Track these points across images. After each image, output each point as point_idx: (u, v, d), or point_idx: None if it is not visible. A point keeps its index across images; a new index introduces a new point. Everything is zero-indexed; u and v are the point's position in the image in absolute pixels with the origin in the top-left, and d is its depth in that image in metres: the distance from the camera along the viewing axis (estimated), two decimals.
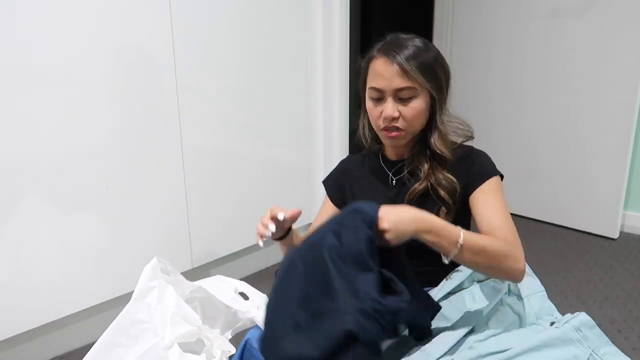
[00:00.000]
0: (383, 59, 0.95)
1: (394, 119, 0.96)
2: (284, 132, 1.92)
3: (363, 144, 1.14)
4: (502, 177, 1.01)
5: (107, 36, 1.34)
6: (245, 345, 0.99)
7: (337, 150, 2.09)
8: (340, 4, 1.96)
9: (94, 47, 1.32)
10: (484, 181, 0.98)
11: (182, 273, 1.66)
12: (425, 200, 1.00)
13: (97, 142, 1.37)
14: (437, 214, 0.97)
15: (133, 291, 1.51)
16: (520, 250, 0.86)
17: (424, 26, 3.05)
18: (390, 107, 0.95)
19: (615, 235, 2.23)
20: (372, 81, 0.97)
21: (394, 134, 0.98)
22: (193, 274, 1.69)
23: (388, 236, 0.76)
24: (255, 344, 0.97)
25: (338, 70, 2.01)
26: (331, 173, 1.22)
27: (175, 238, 1.62)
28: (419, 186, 1.00)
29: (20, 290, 1.29)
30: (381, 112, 0.97)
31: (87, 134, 1.35)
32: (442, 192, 0.98)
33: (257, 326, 1.02)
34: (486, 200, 0.97)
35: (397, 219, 0.78)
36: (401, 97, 0.95)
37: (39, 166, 1.27)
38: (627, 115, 2.10)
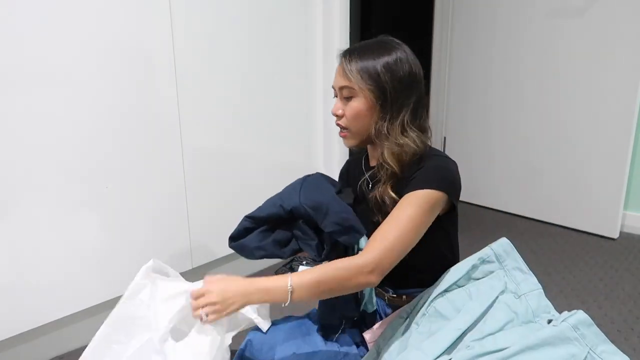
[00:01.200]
0: (340, 60, 1.00)
1: (338, 116, 1.00)
2: (284, 132, 1.92)
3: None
4: (447, 192, 0.92)
5: (107, 36, 1.34)
6: (246, 346, 0.99)
7: (337, 150, 2.10)
8: (340, 4, 1.96)
9: (93, 47, 1.32)
10: (409, 191, 0.92)
11: (182, 273, 1.65)
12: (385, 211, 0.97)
13: (97, 142, 1.37)
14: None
15: None
16: (372, 261, 0.84)
17: (423, 27, 3.05)
18: (335, 105, 1.01)
19: (615, 235, 2.23)
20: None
21: (342, 133, 1.03)
22: (193, 274, 1.69)
23: (216, 308, 0.84)
24: (255, 345, 0.97)
25: None
26: (342, 169, 1.27)
27: (175, 238, 1.62)
28: (373, 196, 0.98)
29: (20, 291, 1.29)
30: None
31: (87, 134, 1.35)
32: (389, 209, 0.93)
33: (257, 327, 1.02)
34: (394, 210, 0.92)
35: (222, 292, 0.85)
36: (344, 95, 0.99)
37: (38, 166, 1.27)
38: (627, 115, 2.10)
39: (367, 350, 1.01)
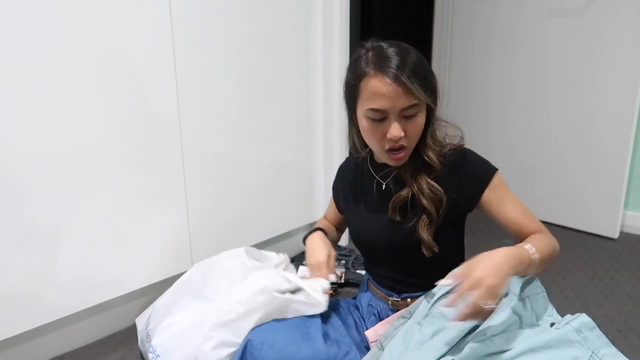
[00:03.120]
0: (381, 78, 0.89)
1: (399, 138, 0.92)
2: (284, 132, 1.92)
3: (355, 154, 1.12)
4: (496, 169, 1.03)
5: (107, 36, 1.34)
6: (246, 346, 0.99)
7: (337, 150, 2.09)
8: (340, 4, 1.96)
9: (93, 47, 1.32)
10: (487, 182, 0.99)
11: (182, 273, 1.66)
12: (409, 208, 1.00)
13: (97, 142, 1.37)
14: (418, 222, 0.98)
15: (133, 291, 1.52)
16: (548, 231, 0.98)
17: (423, 26, 3.05)
18: (396, 128, 0.91)
19: (615, 235, 2.23)
20: (371, 102, 0.91)
21: (400, 155, 0.95)
22: None
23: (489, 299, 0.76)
24: (255, 344, 0.97)
25: (338, 70, 2.01)
26: (335, 177, 1.26)
27: (175, 238, 1.61)
28: (402, 193, 0.99)
29: (20, 290, 1.29)
30: (384, 134, 0.93)
31: (87, 134, 1.35)
32: (424, 201, 0.96)
33: (258, 326, 1.02)
34: (500, 199, 0.99)
35: (486, 273, 0.77)
36: (405, 115, 0.91)
37: (37, 167, 1.27)
38: (627, 115, 2.10)
39: (368, 350, 1.01)
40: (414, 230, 0.98)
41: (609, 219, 2.23)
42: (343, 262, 1.93)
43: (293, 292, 1.15)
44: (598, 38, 2.13)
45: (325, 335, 1.01)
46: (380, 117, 0.92)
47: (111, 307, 1.53)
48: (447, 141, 1.04)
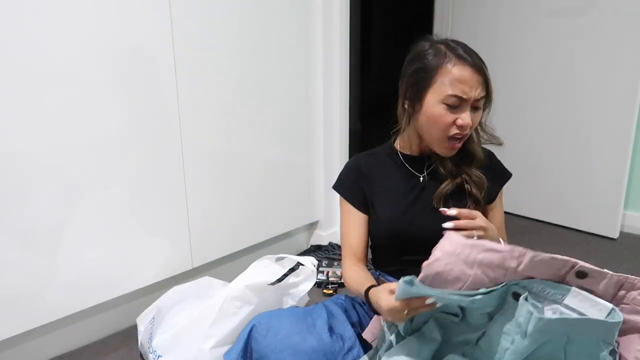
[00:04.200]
0: (463, 67, 0.95)
1: (466, 127, 0.98)
2: (284, 132, 1.92)
3: (395, 146, 1.15)
4: None
5: (107, 36, 1.34)
6: (251, 330, 0.99)
7: (337, 150, 2.09)
8: (340, 4, 1.96)
9: (93, 46, 1.32)
10: (504, 184, 1.11)
11: (182, 273, 1.66)
12: (455, 197, 1.04)
13: (97, 142, 1.37)
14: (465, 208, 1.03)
15: (133, 291, 1.52)
16: None
17: (423, 26, 3.04)
18: (469, 116, 0.97)
19: (615, 235, 2.23)
20: (454, 89, 0.95)
21: (459, 144, 1.01)
22: (193, 274, 1.69)
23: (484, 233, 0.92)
24: (260, 330, 0.97)
25: (338, 70, 2.01)
26: (342, 179, 1.16)
27: (175, 238, 1.62)
28: (451, 182, 1.04)
29: (20, 290, 1.29)
30: (454, 120, 0.97)
31: (87, 134, 1.35)
32: (473, 189, 1.03)
33: (265, 312, 1.03)
34: (497, 204, 1.10)
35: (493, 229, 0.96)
36: (476, 106, 0.98)
37: (37, 167, 1.27)
38: (627, 115, 2.10)
39: (371, 346, 1.01)
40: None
41: (609, 219, 2.23)
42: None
43: (282, 279, 1.20)
44: (598, 38, 2.13)
45: (331, 329, 1.00)
46: (457, 104, 0.96)
47: (111, 307, 1.53)
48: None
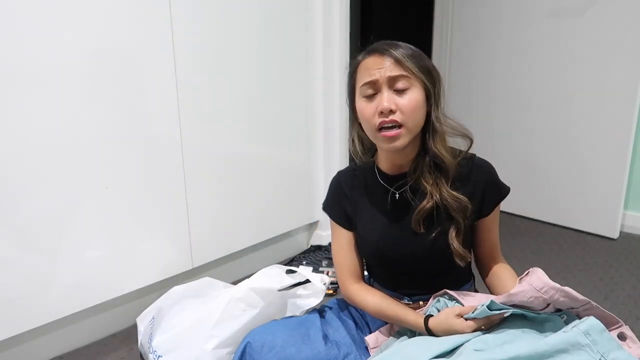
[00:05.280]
0: (373, 56, 0.92)
1: (391, 111, 0.88)
2: (284, 132, 1.92)
3: (356, 158, 1.07)
4: None
5: (107, 37, 1.34)
6: (245, 347, 0.98)
7: (337, 150, 2.09)
8: (340, 4, 1.96)
9: (93, 47, 1.32)
10: (500, 200, 1.01)
11: (182, 273, 1.66)
12: (434, 219, 0.96)
13: (97, 142, 1.37)
14: (447, 233, 0.95)
15: (133, 291, 1.52)
16: None
17: (424, 26, 3.04)
18: (386, 97, 0.89)
19: (615, 235, 2.23)
20: (364, 78, 0.92)
21: (393, 132, 0.90)
22: (193, 274, 1.69)
23: None
24: (255, 347, 0.97)
25: (338, 71, 2.01)
26: (328, 199, 1.14)
27: (175, 238, 1.61)
28: (426, 204, 0.95)
29: (20, 290, 1.29)
30: (376, 108, 0.90)
31: (87, 134, 1.35)
32: (453, 213, 0.94)
33: (257, 328, 1.02)
34: (494, 218, 1.03)
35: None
36: (397, 88, 0.89)
37: (37, 167, 1.27)
38: (627, 115, 2.10)
39: (368, 352, 1.00)
40: (436, 241, 0.96)
41: (609, 219, 2.23)
42: None
43: (290, 288, 1.16)
44: (598, 38, 2.13)
45: (325, 337, 1.00)
46: (372, 92, 0.91)
47: (111, 307, 1.53)
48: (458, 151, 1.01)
